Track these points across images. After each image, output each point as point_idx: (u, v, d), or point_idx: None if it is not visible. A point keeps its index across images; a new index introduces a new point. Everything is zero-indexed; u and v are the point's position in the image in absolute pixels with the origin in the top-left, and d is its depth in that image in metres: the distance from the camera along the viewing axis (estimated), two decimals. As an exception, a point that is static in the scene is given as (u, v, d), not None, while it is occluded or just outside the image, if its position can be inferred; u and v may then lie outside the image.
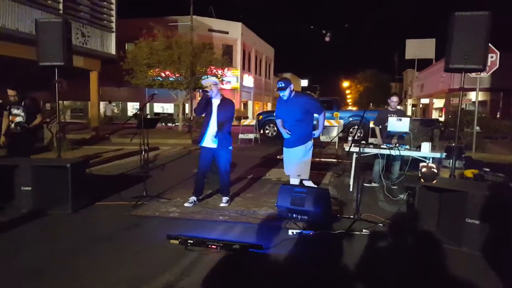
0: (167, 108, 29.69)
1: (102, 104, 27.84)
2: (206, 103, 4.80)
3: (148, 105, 30.18)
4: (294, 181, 5.18)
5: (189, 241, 3.46)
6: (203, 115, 4.94)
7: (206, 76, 16.36)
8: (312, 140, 5.11)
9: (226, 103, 4.88)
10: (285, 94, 4.91)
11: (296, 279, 3.04)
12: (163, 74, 17.73)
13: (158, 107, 30.23)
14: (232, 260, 3.30)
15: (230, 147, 4.95)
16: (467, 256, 3.45)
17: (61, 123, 7.27)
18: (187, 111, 20.77)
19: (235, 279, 3.02)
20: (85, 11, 13.02)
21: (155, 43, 17.39)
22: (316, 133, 5.09)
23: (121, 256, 3.35)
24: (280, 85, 4.86)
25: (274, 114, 5.34)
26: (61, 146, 9.25)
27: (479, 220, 3.48)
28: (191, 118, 16.77)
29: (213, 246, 3.41)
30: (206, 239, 3.51)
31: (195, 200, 4.99)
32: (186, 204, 4.89)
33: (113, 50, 14.70)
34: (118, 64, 16.63)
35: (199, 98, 5.27)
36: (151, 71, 17.40)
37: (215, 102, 4.84)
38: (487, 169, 5.96)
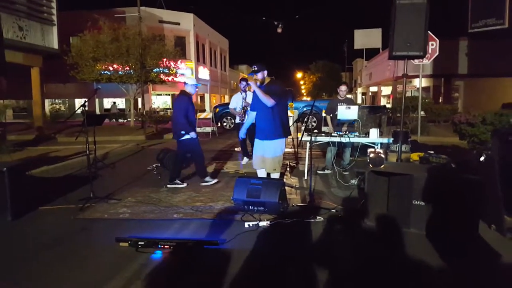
0: (118, 103, 28.48)
1: (110, 103, 26.17)
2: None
3: (97, 101, 28.76)
4: (262, 173, 4.85)
5: (139, 242, 3.31)
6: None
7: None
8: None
9: (177, 97, 5.40)
10: (257, 78, 4.54)
11: (252, 271, 3.01)
12: (111, 68, 16.94)
13: (109, 103, 28.91)
14: (186, 259, 3.20)
15: (187, 136, 5.49)
16: (415, 236, 3.60)
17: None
18: (139, 105, 20.01)
19: (188, 278, 2.93)
20: (21, 2, 12.07)
21: (101, 35, 16.56)
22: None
23: (67, 263, 3.15)
24: (253, 68, 4.58)
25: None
26: (-1, 149, 8.59)
27: (425, 201, 3.65)
28: (144, 113, 16.18)
29: (165, 246, 3.28)
30: (158, 239, 3.38)
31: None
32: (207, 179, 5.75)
33: (55, 44, 13.80)
34: (63, 59, 15.66)
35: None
36: (98, 65, 16.56)
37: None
38: (432, 152, 6.27)
